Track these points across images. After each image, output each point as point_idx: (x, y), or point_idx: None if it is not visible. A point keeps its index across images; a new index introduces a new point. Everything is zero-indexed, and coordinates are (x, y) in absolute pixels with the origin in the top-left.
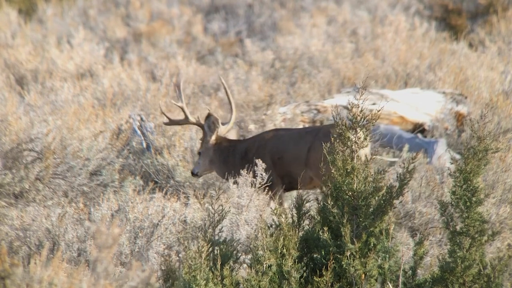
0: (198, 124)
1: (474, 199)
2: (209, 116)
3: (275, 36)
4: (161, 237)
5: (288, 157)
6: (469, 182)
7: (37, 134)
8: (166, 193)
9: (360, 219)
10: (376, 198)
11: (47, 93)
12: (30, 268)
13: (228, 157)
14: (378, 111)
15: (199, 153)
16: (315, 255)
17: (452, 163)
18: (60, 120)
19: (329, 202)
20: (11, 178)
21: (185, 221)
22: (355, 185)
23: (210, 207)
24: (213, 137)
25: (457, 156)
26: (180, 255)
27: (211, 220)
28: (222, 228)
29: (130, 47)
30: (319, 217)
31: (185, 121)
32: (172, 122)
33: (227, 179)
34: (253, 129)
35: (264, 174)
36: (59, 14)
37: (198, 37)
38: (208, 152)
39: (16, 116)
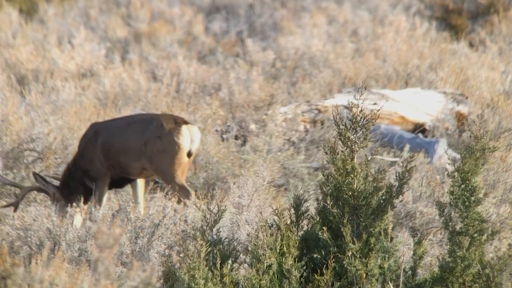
0: (37, 188)
1: (473, 198)
2: (34, 176)
3: (276, 36)
4: (162, 237)
5: (116, 147)
6: (467, 181)
7: (38, 134)
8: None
9: (361, 219)
10: (376, 198)
11: (48, 93)
12: (31, 268)
13: (72, 175)
14: (378, 110)
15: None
16: (315, 255)
17: (450, 164)
18: (61, 120)
19: (328, 202)
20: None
21: (186, 221)
22: (355, 184)
23: (206, 207)
24: (49, 188)
25: (457, 156)
26: (181, 255)
27: (207, 220)
28: (220, 228)
29: (131, 47)
30: (318, 217)
31: (27, 190)
32: (17, 203)
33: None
34: (254, 129)
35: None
36: (60, 14)
37: (199, 37)
38: (60, 200)
39: (17, 116)
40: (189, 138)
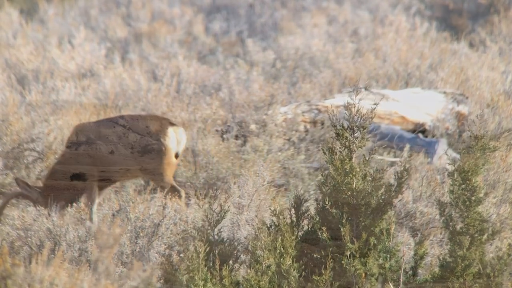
0: (20, 194)
1: (473, 198)
2: (17, 181)
3: (276, 36)
4: (162, 237)
5: (100, 148)
6: (467, 181)
7: (38, 134)
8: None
9: (360, 219)
10: (375, 197)
11: (48, 93)
12: (32, 268)
13: (57, 178)
14: (373, 109)
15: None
16: (314, 255)
17: (450, 164)
18: (61, 120)
19: (327, 203)
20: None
21: (186, 221)
22: (354, 184)
23: (208, 207)
24: (33, 193)
25: (457, 156)
26: (181, 255)
27: (209, 220)
28: (221, 228)
29: (131, 47)
30: (318, 217)
31: (9, 196)
32: (1, 210)
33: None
34: (254, 129)
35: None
36: (60, 14)
37: (199, 37)
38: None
39: (17, 116)
40: (175, 140)
